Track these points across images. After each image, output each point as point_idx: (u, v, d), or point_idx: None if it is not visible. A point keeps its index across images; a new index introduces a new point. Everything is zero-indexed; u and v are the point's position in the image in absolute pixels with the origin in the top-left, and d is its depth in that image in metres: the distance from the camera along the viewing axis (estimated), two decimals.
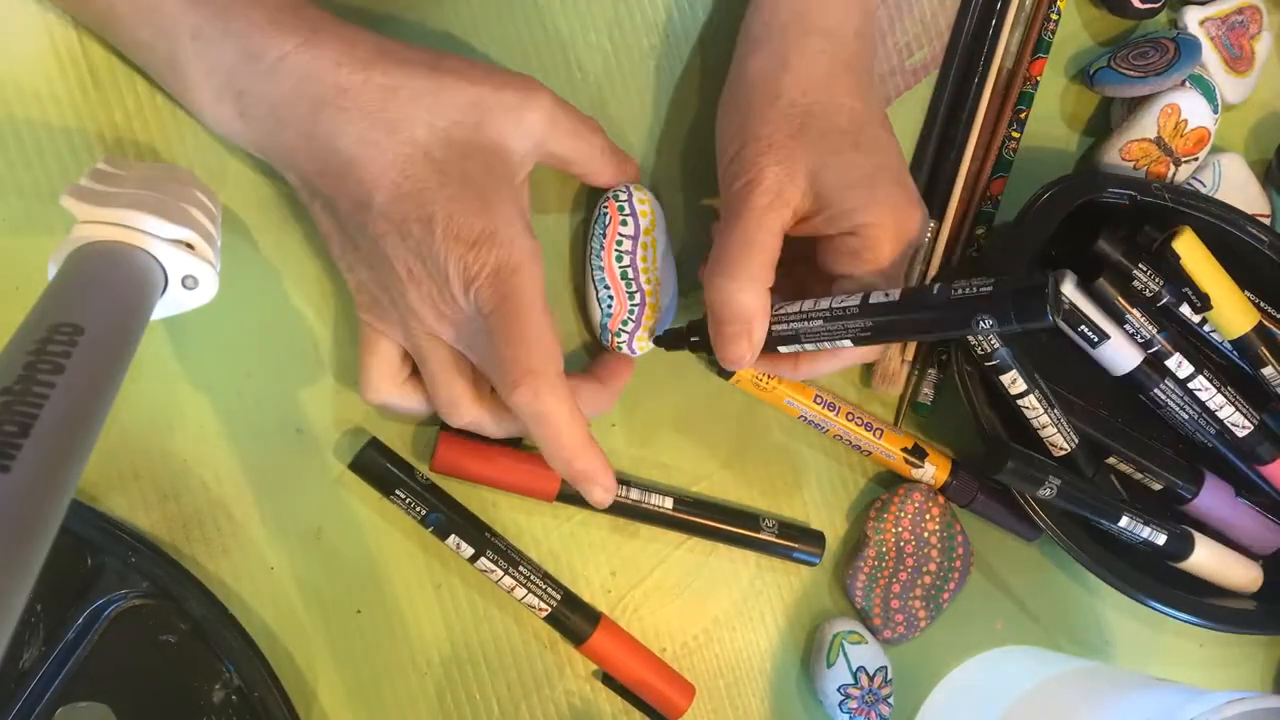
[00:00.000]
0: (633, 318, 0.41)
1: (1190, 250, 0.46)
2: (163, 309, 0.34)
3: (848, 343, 0.38)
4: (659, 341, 0.42)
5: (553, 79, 0.43)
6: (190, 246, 0.33)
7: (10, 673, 0.36)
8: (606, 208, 0.41)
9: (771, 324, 0.39)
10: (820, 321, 0.38)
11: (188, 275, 0.33)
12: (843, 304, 0.38)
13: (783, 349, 0.40)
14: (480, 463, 0.41)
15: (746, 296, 0.37)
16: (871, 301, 0.37)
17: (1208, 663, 0.54)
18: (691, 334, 0.41)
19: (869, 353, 0.41)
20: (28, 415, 0.25)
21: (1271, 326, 0.49)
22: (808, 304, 0.39)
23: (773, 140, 0.38)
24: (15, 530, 0.23)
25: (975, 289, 0.35)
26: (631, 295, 0.41)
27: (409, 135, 0.35)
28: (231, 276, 0.39)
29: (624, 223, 0.41)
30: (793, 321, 0.39)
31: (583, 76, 0.44)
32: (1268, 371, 0.48)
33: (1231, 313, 0.47)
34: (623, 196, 0.41)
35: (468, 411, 0.38)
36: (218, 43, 0.34)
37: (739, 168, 0.38)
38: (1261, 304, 0.50)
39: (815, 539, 0.46)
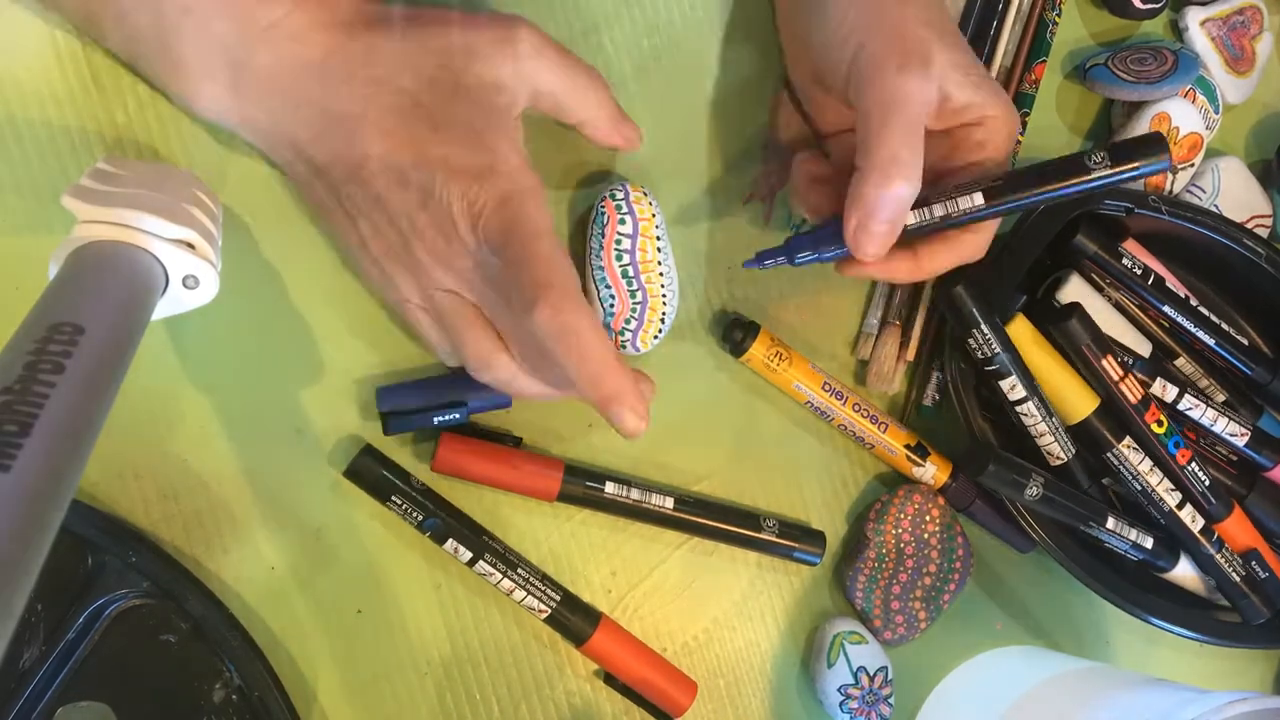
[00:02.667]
0: (635, 316, 0.41)
1: (1023, 335, 0.45)
2: (163, 309, 0.34)
3: (979, 197, 0.38)
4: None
5: None
6: (191, 246, 0.33)
7: (10, 672, 0.36)
8: (604, 207, 0.41)
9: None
10: (950, 186, 0.39)
11: (188, 275, 0.33)
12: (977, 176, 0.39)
13: (911, 217, 0.39)
14: (480, 463, 0.41)
15: (912, 187, 0.36)
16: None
17: (1207, 663, 0.54)
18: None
19: (983, 240, 0.41)
20: (28, 415, 0.25)
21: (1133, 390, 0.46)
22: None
23: (910, 36, 0.37)
24: (15, 530, 0.23)
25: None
26: (633, 294, 0.41)
27: (396, 86, 0.35)
28: (232, 276, 0.39)
29: (622, 221, 0.41)
30: (924, 192, 0.39)
31: None
32: (1111, 455, 0.46)
33: (1072, 398, 0.45)
34: (619, 195, 0.41)
35: (500, 364, 0.37)
36: (209, 17, 0.34)
37: (887, 50, 0.37)
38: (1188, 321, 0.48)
39: (816, 539, 0.46)
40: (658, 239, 0.42)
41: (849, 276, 0.41)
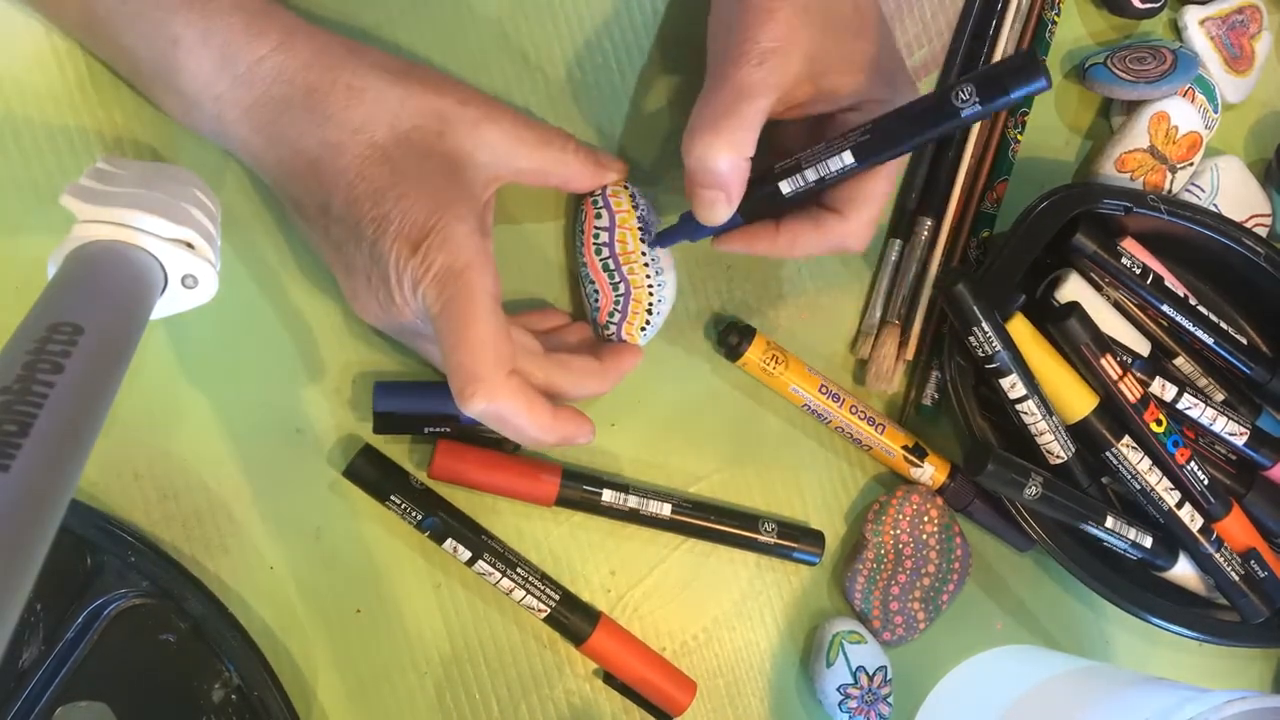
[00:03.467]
0: (618, 308, 0.41)
1: (1022, 334, 0.45)
2: (163, 308, 0.34)
3: (849, 156, 0.37)
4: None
5: (553, 77, 0.43)
6: (190, 246, 0.33)
7: (10, 672, 0.36)
8: (583, 206, 0.42)
9: (775, 165, 0.38)
10: (821, 145, 0.37)
11: (188, 274, 0.33)
12: (845, 130, 0.38)
13: (784, 185, 0.38)
14: (478, 470, 0.41)
15: (724, 162, 0.36)
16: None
17: (1207, 662, 0.54)
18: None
19: (854, 229, 0.39)
20: (27, 415, 0.25)
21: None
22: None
23: (776, 14, 0.36)
24: (15, 530, 0.23)
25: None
26: (615, 286, 0.41)
27: (369, 137, 0.35)
28: (231, 276, 0.39)
29: (598, 216, 0.41)
30: (797, 154, 0.38)
31: (582, 76, 0.44)
32: (1110, 454, 0.46)
33: (1071, 398, 0.46)
34: (596, 192, 0.42)
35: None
36: (198, 49, 0.34)
37: (736, 37, 0.37)
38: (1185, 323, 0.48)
39: (815, 538, 0.46)
40: (640, 230, 0.42)
41: (725, 251, 0.41)
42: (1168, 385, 0.47)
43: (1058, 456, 0.46)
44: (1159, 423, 0.46)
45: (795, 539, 0.45)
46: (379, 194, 0.35)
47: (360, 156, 0.35)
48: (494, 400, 0.33)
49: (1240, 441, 0.48)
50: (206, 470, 0.39)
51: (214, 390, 0.40)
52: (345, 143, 0.35)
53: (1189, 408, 0.48)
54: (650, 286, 0.42)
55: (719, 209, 0.38)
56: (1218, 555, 0.47)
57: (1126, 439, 0.45)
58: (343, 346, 0.41)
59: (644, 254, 0.42)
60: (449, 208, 0.35)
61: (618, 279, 0.41)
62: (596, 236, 0.41)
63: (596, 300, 0.42)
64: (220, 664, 0.38)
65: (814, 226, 0.39)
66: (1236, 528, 0.48)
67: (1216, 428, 0.48)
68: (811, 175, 0.38)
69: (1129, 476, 0.46)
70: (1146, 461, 0.46)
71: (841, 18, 0.38)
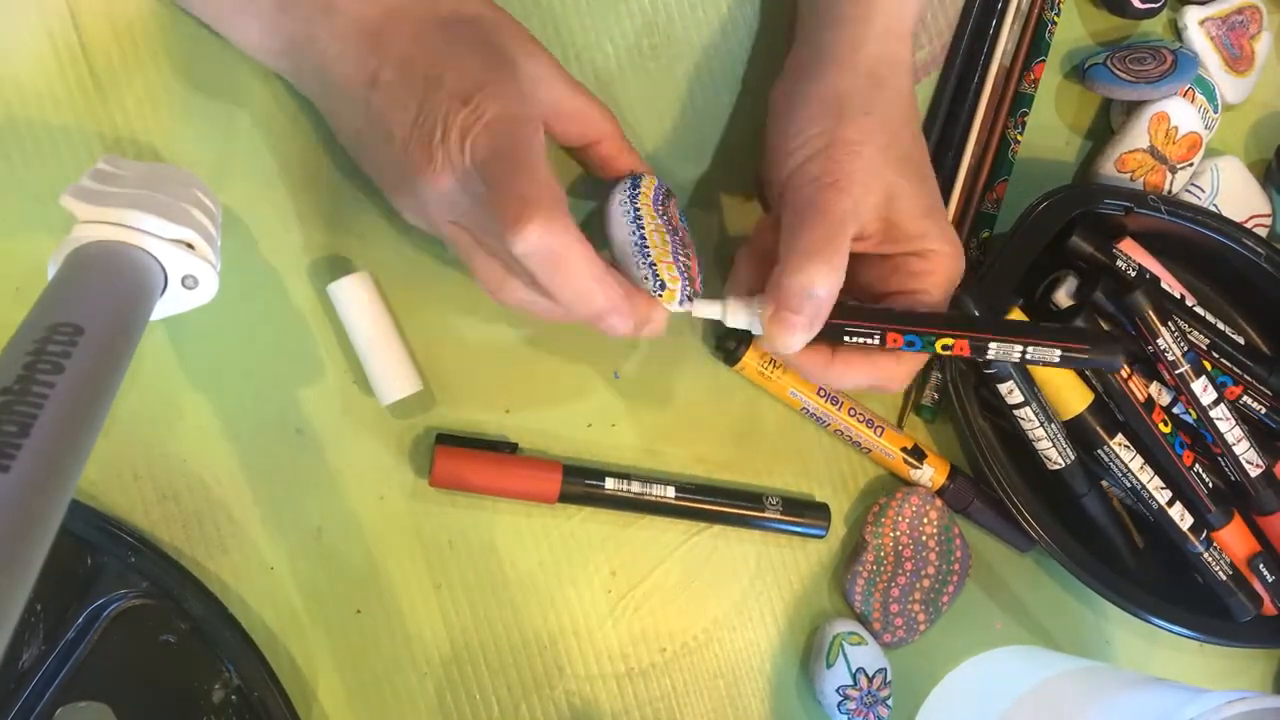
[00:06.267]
0: (683, 256, 0.39)
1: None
2: (163, 309, 0.34)
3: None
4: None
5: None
6: (190, 246, 0.33)
7: (10, 672, 0.36)
8: (645, 173, 0.41)
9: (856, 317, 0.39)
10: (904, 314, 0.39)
11: (188, 275, 0.33)
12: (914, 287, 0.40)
13: (848, 339, 0.39)
14: (480, 474, 0.41)
15: (825, 289, 0.36)
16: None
17: (1208, 662, 0.54)
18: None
19: (903, 371, 0.41)
20: (28, 415, 0.25)
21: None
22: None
23: (863, 151, 0.38)
24: (15, 530, 0.23)
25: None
26: (676, 237, 0.39)
27: (434, 9, 0.36)
28: (231, 276, 0.39)
29: (660, 190, 0.40)
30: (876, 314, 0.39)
31: (593, 78, 0.44)
32: (1102, 451, 0.46)
33: (1066, 393, 0.46)
34: (658, 177, 0.41)
35: (511, 289, 0.36)
36: None
37: (824, 167, 0.38)
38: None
39: (820, 511, 0.46)
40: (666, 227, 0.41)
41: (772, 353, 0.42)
42: (1209, 387, 0.46)
43: (1055, 463, 0.46)
44: (1165, 423, 0.46)
45: (800, 513, 0.45)
46: (435, 55, 0.35)
47: (421, 22, 0.36)
48: (550, 229, 0.31)
49: (1256, 474, 0.48)
50: (206, 470, 0.39)
51: (214, 390, 0.40)
52: (409, 9, 0.36)
53: (1220, 419, 0.46)
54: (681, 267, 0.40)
55: (797, 336, 0.37)
56: (1206, 554, 0.47)
57: (1119, 437, 0.45)
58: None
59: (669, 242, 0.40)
60: (502, 69, 0.35)
61: (673, 234, 0.40)
62: (656, 196, 0.40)
63: (643, 245, 0.38)
64: (220, 664, 0.38)
65: (867, 361, 0.40)
66: (1235, 535, 0.48)
67: (1239, 450, 0.47)
68: (876, 339, 0.39)
69: (1120, 474, 0.46)
70: (1138, 460, 0.46)
71: (912, 162, 0.40)
